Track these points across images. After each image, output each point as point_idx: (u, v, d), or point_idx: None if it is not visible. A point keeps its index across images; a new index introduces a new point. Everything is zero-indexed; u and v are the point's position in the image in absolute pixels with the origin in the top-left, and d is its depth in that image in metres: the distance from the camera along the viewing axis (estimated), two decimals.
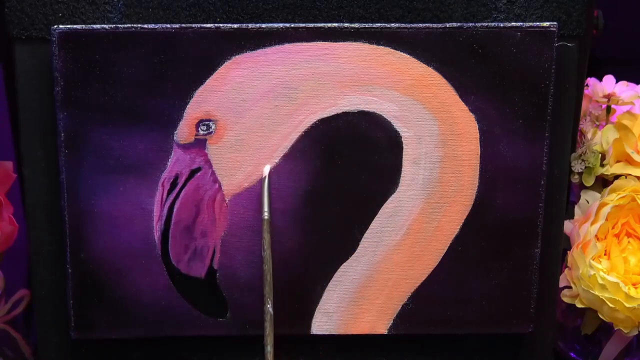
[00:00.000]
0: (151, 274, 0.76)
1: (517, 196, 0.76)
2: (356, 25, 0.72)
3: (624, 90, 0.90)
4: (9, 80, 0.76)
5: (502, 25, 0.73)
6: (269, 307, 0.72)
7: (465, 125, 0.74)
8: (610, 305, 0.79)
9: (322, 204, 0.75)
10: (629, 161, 0.83)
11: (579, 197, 0.85)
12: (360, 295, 0.77)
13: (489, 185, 0.75)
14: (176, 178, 0.74)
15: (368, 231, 0.76)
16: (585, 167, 0.84)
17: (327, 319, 0.77)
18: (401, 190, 0.75)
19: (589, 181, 0.84)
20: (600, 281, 0.79)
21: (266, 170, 0.72)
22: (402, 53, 0.73)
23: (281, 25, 0.72)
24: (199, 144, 0.74)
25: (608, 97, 0.89)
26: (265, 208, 0.72)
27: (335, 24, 0.72)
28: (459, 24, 0.73)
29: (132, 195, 0.74)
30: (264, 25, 0.72)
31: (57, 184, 0.74)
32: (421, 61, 0.73)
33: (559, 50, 0.73)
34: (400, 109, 0.74)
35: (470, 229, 0.76)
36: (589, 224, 0.80)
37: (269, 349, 0.72)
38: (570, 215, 0.84)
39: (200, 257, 0.76)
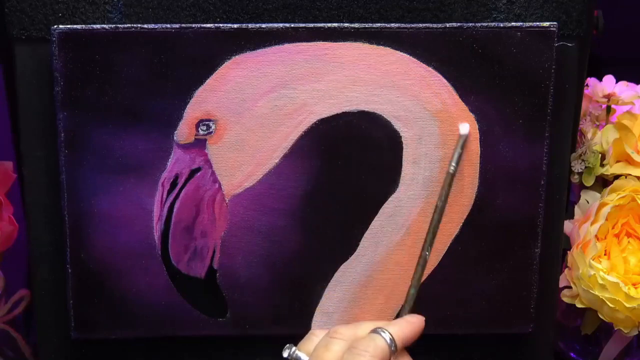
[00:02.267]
0: (151, 274, 0.76)
1: (517, 196, 0.76)
2: (356, 25, 0.72)
3: (624, 90, 0.90)
4: (9, 80, 0.76)
5: (502, 25, 0.73)
6: (427, 253, 0.71)
7: None
8: (610, 305, 0.79)
9: (322, 204, 0.75)
10: (629, 161, 0.83)
11: (579, 197, 0.85)
12: (360, 295, 0.77)
13: (489, 185, 0.75)
14: (176, 178, 0.74)
15: (368, 231, 0.76)
16: (585, 167, 0.84)
17: (327, 319, 0.77)
18: (401, 190, 0.75)
19: (589, 181, 0.84)
20: (600, 281, 0.79)
21: (466, 128, 0.72)
22: (402, 53, 0.73)
23: (281, 25, 0.72)
24: (199, 144, 0.74)
25: (608, 97, 0.89)
26: (454, 163, 0.72)
27: (335, 24, 0.72)
28: (459, 24, 0.73)
29: (132, 195, 0.74)
30: (264, 25, 0.72)
31: (57, 184, 0.74)
32: (421, 61, 0.73)
33: (559, 50, 0.73)
34: (400, 109, 0.74)
35: (470, 229, 0.76)
36: (589, 224, 0.80)
37: (413, 291, 0.70)
38: (570, 215, 0.84)
39: (200, 257, 0.76)
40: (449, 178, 0.72)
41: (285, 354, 0.64)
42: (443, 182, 0.72)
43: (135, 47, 0.71)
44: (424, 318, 0.68)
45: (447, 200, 0.71)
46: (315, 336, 0.64)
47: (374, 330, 0.63)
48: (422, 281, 0.71)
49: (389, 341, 0.63)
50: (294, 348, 0.64)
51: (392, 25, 0.73)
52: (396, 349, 0.63)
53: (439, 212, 0.72)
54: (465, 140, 0.72)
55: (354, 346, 0.62)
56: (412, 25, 0.72)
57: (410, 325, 0.66)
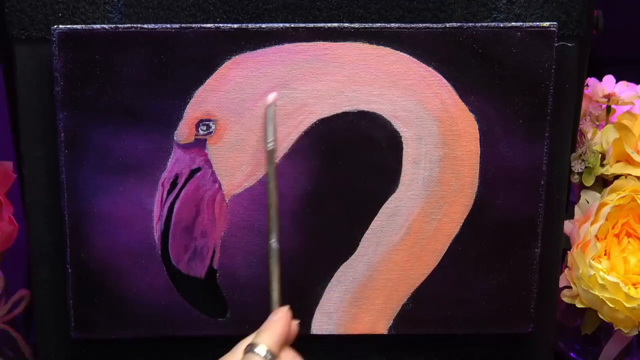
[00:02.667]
0: (151, 274, 0.76)
1: (517, 196, 0.76)
2: (356, 25, 0.72)
3: (624, 90, 0.90)
4: (9, 80, 0.76)
5: (502, 25, 0.73)
6: (273, 242, 0.68)
7: (465, 125, 0.74)
8: (610, 305, 0.79)
9: (322, 204, 0.75)
10: (629, 161, 0.83)
11: (579, 197, 0.85)
12: (360, 295, 0.77)
13: (489, 185, 0.75)
14: (176, 178, 0.74)
15: (368, 231, 0.76)
16: (585, 167, 0.84)
17: (327, 319, 0.77)
18: (401, 190, 0.75)
19: (589, 181, 0.84)
20: (600, 281, 0.79)
21: (271, 97, 0.70)
22: (402, 53, 0.73)
23: (281, 25, 0.72)
24: (199, 144, 0.74)
25: (608, 97, 0.89)
26: (270, 138, 0.70)
27: (335, 24, 0.72)
28: (459, 24, 0.73)
29: (132, 195, 0.74)
30: (264, 25, 0.72)
31: (57, 184, 0.74)
32: (421, 61, 0.73)
33: (559, 50, 0.73)
34: (401, 109, 0.74)
35: (470, 229, 0.76)
36: (589, 224, 0.80)
37: (275, 285, 0.67)
38: (570, 215, 0.84)
39: (200, 257, 0.76)
40: (270, 155, 0.69)
41: None
42: (266, 161, 0.69)
43: (135, 47, 0.71)
44: (286, 308, 0.66)
45: (276, 178, 0.69)
46: None
47: (248, 350, 0.63)
48: (280, 276, 0.68)
49: (264, 354, 0.62)
50: None
51: (392, 25, 0.73)
52: (274, 356, 0.63)
53: (272, 194, 0.68)
54: (273, 111, 0.69)
55: None
56: (412, 25, 0.72)
57: (277, 324, 0.64)
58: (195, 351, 0.79)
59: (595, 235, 0.80)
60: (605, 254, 0.81)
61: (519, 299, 0.78)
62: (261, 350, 0.62)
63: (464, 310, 0.78)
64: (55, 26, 0.71)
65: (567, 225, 0.82)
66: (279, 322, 0.65)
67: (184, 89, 0.72)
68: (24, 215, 0.77)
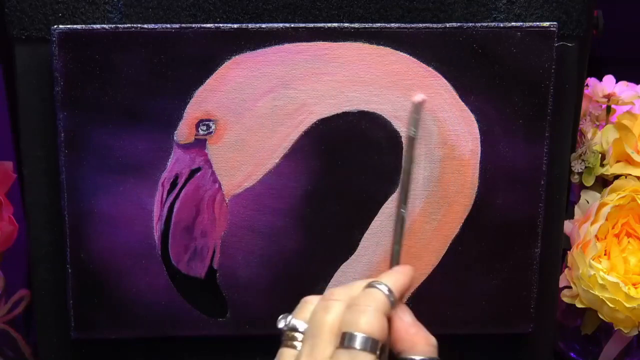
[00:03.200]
0: (151, 274, 0.76)
1: (517, 196, 0.76)
2: (356, 25, 0.72)
3: (624, 90, 0.90)
4: (9, 80, 0.76)
5: (502, 25, 0.73)
6: (403, 211, 0.67)
7: (465, 125, 0.74)
8: (610, 305, 0.79)
9: (322, 204, 0.75)
10: (629, 161, 0.83)
11: (579, 197, 0.85)
12: None
13: (489, 185, 0.75)
14: (176, 178, 0.74)
15: (368, 231, 0.76)
16: (585, 167, 0.84)
17: None
18: None
19: (589, 181, 0.84)
20: (600, 281, 0.79)
21: (419, 97, 0.69)
22: (402, 53, 0.73)
23: (281, 25, 0.72)
24: (199, 144, 0.74)
25: (608, 97, 0.89)
26: (413, 127, 0.69)
27: (335, 24, 0.72)
28: (459, 24, 0.73)
29: (132, 195, 0.74)
30: (264, 25, 0.72)
31: (57, 184, 0.74)
32: (421, 61, 0.73)
33: (559, 50, 0.73)
34: (400, 109, 0.74)
35: (470, 229, 0.76)
36: (589, 224, 0.80)
37: (397, 247, 0.65)
38: (570, 215, 0.84)
39: (200, 257, 0.76)
40: (410, 141, 0.69)
41: (280, 325, 0.62)
42: (406, 146, 0.70)
43: (135, 47, 0.71)
44: (413, 267, 0.66)
45: (413, 161, 0.69)
46: (309, 303, 0.62)
47: (370, 285, 0.62)
48: (404, 239, 0.68)
49: (387, 292, 0.61)
50: (289, 317, 0.62)
51: (392, 25, 0.73)
52: (395, 299, 0.62)
53: (406, 173, 0.69)
54: (420, 107, 0.70)
55: (354, 303, 0.60)
56: (412, 25, 0.72)
57: (402, 275, 0.64)
58: (195, 351, 0.79)
59: (595, 235, 0.80)
60: (605, 254, 0.81)
61: (519, 299, 0.78)
62: (384, 287, 0.61)
63: (464, 310, 0.78)
64: (55, 26, 0.71)
65: (567, 225, 0.82)
66: (405, 274, 0.63)
67: (184, 89, 0.72)
68: (24, 215, 0.77)
